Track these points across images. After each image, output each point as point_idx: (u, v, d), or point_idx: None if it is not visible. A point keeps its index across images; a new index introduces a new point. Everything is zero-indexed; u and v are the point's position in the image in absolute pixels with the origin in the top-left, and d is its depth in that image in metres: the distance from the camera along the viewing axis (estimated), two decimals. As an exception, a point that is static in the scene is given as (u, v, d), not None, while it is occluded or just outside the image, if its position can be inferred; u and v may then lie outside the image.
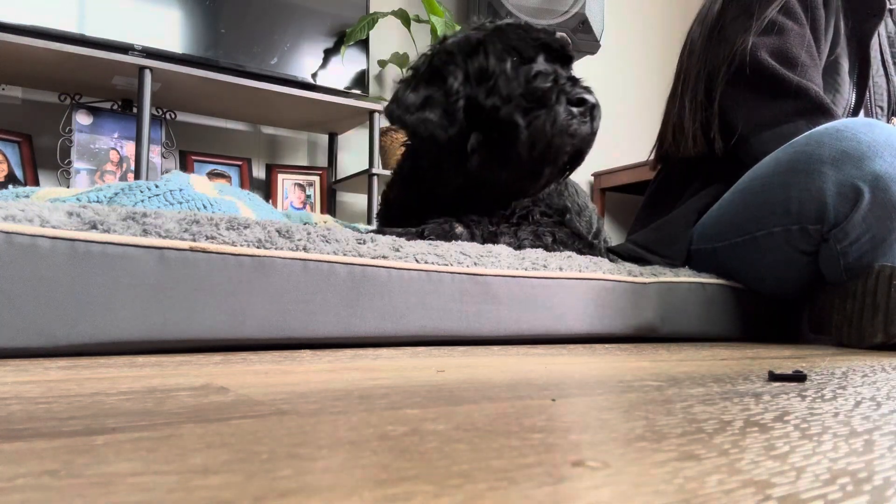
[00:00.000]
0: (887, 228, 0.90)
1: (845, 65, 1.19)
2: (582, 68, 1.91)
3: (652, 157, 1.34)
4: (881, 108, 1.25)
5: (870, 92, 1.22)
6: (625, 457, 0.24)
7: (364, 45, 2.31)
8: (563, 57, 0.98)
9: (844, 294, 0.96)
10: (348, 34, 2.21)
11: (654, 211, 1.30)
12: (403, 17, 2.27)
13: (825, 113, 1.07)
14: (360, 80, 2.31)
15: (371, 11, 2.30)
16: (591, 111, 0.91)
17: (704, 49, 1.19)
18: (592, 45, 2.50)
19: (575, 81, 0.92)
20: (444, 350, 0.71)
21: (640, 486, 0.20)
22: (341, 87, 2.25)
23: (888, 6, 1.21)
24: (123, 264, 0.57)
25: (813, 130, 0.98)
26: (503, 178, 0.94)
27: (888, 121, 1.30)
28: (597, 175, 2.91)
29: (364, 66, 2.32)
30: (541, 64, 0.94)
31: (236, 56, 2.07)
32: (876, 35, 1.23)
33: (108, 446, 0.24)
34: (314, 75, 2.21)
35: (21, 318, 0.52)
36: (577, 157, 0.95)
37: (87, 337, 0.55)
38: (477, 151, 0.93)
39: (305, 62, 2.20)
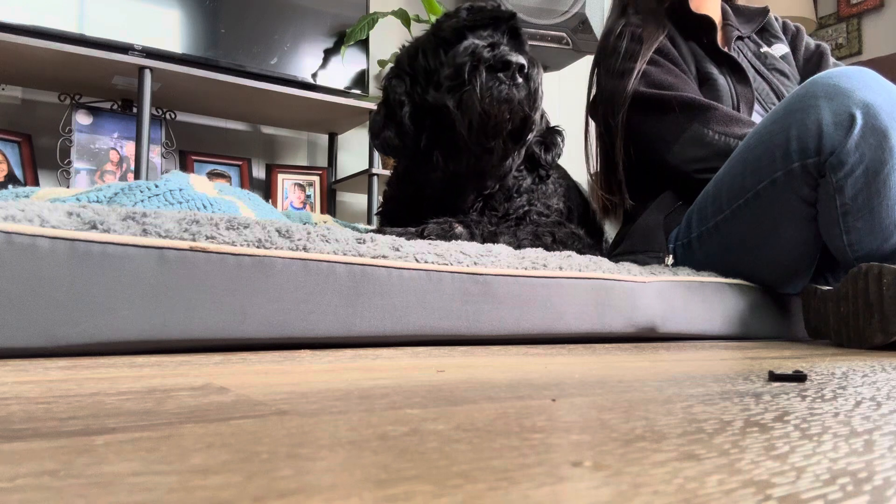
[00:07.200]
0: (879, 160, 0.92)
1: (715, 71, 1.31)
2: (582, 68, 1.92)
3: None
4: (773, 104, 1.34)
5: (756, 91, 1.32)
6: (625, 457, 0.24)
7: (364, 45, 2.31)
8: (511, 30, 0.95)
9: (837, 298, 0.96)
10: (348, 34, 2.21)
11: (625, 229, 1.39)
12: (403, 17, 2.27)
13: (708, 108, 1.19)
14: (360, 80, 2.31)
15: (371, 11, 2.30)
16: (520, 71, 0.86)
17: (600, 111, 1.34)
18: (593, 45, 2.49)
19: (495, 46, 0.87)
20: (444, 350, 0.71)
21: (640, 487, 0.20)
22: (341, 87, 2.25)
23: (719, 23, 1.37)
24: (123, 264, 0.57)
25: (801, 84, 1.04)
26: (463, 165, 0.94)
27: None
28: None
29: (364, 66, 2.32)
30: (466, 42, 0.90)
31: (236, 56, 2.07)
32: (740, 54, 1.37)
33: (108, 446, 0.24)
34: (314, 75, 2.21)
35: (21, 318, 0.52)
36: (524, 124, 0.91)
37: (87, 337, 0.55)
38: (434, 149, 0.94)
39: (305, 62, 2.20)
